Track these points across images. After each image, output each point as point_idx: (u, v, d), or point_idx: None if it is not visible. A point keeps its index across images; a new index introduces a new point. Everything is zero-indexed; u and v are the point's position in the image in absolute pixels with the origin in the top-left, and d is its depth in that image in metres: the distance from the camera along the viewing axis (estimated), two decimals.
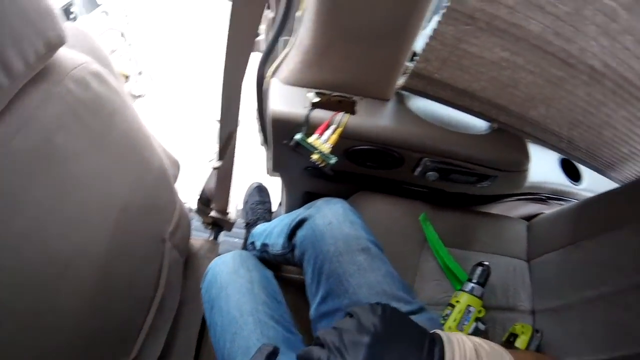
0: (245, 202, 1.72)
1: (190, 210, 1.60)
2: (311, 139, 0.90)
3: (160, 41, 2.89)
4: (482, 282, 0.99)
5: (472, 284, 0.98)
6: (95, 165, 0.70)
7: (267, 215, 1.65)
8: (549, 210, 1.27)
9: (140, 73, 2.55)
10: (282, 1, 0.86)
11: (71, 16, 2.10)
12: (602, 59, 0.83)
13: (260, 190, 1.75)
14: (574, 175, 1.35)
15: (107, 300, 0.80)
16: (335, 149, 0.91)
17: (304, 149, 0.91)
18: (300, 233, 0.99)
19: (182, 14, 3.14)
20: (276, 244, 1.09)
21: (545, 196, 1.27)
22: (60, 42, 0.57)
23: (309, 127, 0.92)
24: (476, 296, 0.97)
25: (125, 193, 0.80)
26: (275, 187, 1.77)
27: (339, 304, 0.87)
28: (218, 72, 0.91)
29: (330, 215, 0.95)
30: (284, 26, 0.89)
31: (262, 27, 1.16)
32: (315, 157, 0.89)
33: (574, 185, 1.31)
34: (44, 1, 0.53)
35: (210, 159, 1.07)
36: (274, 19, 1.07)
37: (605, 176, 1.17)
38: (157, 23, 2.96)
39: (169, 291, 1.02)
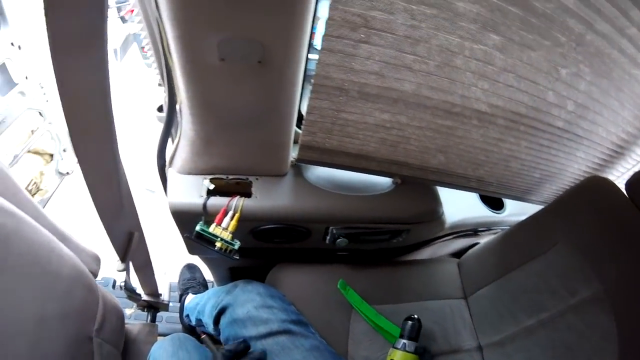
0: (178, 282, 1.75)
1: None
2: (212, 228, 0.88)
3: None
4: (414, 336, 0.96)
5: (403, 341, 0.96)
6: None
7: (199, 287, 1.67)
8: (480, 240, 1.27)
9: (64, 150, 2.48)
10: (166, 88, 0.83)
11: None
12: (488, 101, 0.84)
13: (190, 268, 1.78)
14: (497, 203, 1.35)
15: None
16: (240, 230, 0.90)
17: (207, 238, 0.88)
18: (223, 321, 1.01)
19: None
20: (208, 324, 1.11)
21: (472, 230, 1.26)
22: None
23: (208, 215, 0.90)
24: (409, 352, 0.95)
25: (37, 306, 0.79)
26: None
27: None
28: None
29: (248, 304, 0.97)
30: (171, 118, 0.88)
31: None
32: (218, 245, 0.87)
33: (497, 215, 1.31)
34: None
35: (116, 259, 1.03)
36: None
37: (525, 201, 1.18)
38: None
39: None
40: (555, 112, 0.90)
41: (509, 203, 1.36)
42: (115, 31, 3.75)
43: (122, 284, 1.25)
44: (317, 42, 0.71)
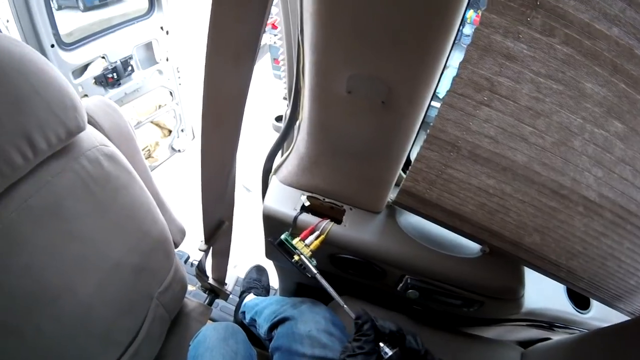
0: (244, 279, 1.83)
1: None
2: (295, 241, 0.92)
3: None
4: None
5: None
6: (95, 227, 0.84)
7: (262, 290, 1.72)
8: (552, 336, 1.19)
9: (182, 130, 2.73)
10: (290, 104, 0.90)
11: (128, 69, 2.29)
12: (598, 190, 0.80)
13: (259, 270, 1.85)
14: (582, 301, 1.25)
15: (85, 335, 0.88)
16: (320, 251, 0.93)
17: (288, 248, 0.92)
18: (281, 330, 1.03)
19: None
20: (262, 326, 1.14)
21: (547, 323, 1.18)
22: (78, 130, 0.74)
23: (296, 228, 0.95)
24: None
25: (120, 253, 0.92)
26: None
27: None
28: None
29: (312, 323, 0.99)
30: (288, 131, 0.95)
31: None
32: (296, 258, 0.91)
33: (580, 314, 1.21)
34: (69, 97, 0.71)
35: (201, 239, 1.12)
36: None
37: (612, 308, 1.09)
38: None
39: (148, 342, 1.08)
40: None
41: (595, 305, 1.25)
42: None
43: (195, 262, 1.35)
44: (442, 91, 0.74)
